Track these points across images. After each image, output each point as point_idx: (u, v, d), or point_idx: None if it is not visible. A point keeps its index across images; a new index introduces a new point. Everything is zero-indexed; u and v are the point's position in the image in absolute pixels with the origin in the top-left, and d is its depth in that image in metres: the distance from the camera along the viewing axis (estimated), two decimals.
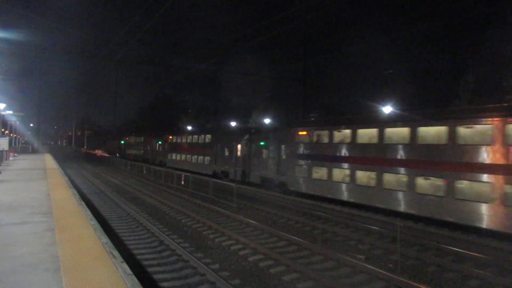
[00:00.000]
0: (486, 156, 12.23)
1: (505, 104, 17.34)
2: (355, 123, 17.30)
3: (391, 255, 10.16)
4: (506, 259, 9.72)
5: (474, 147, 12.57)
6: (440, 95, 31.19)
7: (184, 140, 37.40)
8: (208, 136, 31.87)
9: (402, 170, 14.78)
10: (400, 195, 14.66)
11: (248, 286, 8.11)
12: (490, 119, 12.41)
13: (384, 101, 25.30)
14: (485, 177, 12.20)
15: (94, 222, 9.41)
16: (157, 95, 76.76)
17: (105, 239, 7.76)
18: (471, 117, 13.11)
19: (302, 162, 19.80)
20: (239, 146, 25.82)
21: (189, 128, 46.66)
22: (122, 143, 63.79)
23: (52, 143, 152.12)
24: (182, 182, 24.80)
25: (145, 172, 33.24)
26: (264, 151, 23.15)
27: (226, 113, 55.06)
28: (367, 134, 16.65)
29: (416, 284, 7.80)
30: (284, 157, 21.22)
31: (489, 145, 12.16)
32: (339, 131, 18.08)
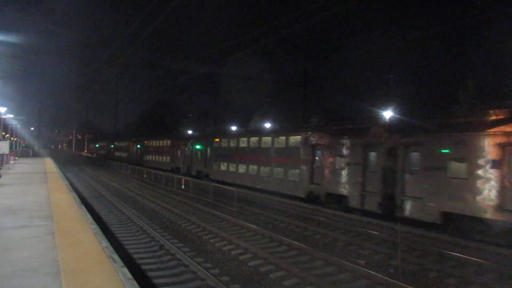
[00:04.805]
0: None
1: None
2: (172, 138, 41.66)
3: (392, 261, 10.13)
4: (507, 265, 9.69)
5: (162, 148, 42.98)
6: (440, 100, 31.11)
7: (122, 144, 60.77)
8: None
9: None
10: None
11: None
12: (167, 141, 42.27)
13: (384, 106, 25.31)
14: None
15: (94, 226, 9.41)
16: (158, 99, 77.00)
17: (105, 243, 7.77)
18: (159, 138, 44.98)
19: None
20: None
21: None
22: (97, 146, 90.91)
23: (53, 146, 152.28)
24: (183, 187, 24.83)
25: (145, 176, 33.37)
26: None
27: (226, 116, 55.10)
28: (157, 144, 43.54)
29: None
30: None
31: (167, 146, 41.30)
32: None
